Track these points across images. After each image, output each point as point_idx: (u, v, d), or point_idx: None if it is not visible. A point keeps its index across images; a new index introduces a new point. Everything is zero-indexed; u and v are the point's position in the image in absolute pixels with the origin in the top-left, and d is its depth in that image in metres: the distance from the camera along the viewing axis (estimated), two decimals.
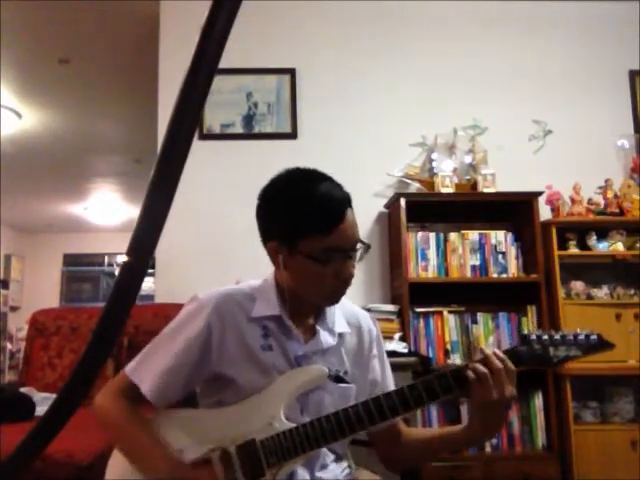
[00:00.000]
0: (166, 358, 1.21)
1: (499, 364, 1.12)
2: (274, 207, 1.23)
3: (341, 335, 1.31)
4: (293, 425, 1.16)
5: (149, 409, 1.23)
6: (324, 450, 1.22)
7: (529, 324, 2.98)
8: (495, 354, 1.14)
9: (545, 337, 1.16)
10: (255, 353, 1.22)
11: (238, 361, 1.21)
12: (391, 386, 1.35)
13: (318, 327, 1.28)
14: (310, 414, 1.20)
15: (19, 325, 8.04)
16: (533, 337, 1.17)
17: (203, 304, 1.23)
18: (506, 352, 1.17)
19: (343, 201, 1.20)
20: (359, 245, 1.22)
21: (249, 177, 3.27)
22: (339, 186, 1.23)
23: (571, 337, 1.16)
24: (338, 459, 1.28)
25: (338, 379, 1.26)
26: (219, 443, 1.16)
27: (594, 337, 1.16)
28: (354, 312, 1.39)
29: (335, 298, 1.26)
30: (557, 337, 1.17)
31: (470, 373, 1.13)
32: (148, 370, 1.21)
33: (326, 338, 1.27)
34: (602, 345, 1.17)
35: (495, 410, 1.14)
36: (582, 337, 1.16)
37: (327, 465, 1.25)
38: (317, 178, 1.23)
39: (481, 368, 1.13)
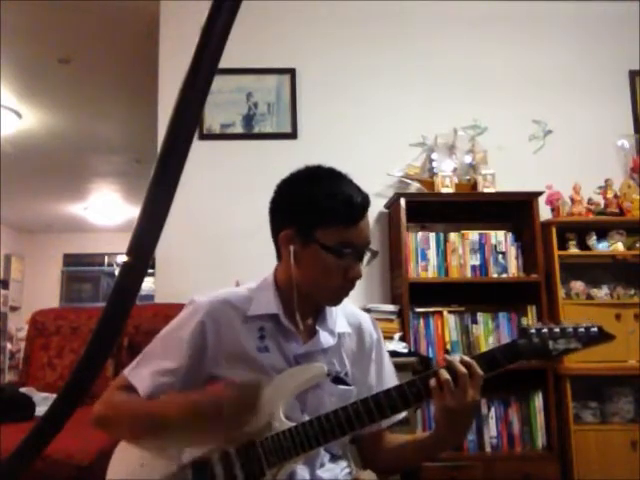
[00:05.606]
0: (161, 360, 1.20)
1: (463, 369, 1.10)
2: (297, 194, 1.23)
3: (341, 335, 1.30)
4: (293, 424, 1.15)
5: None
6: (322, 449, 1.22)
7: (529, 324, 2.98)
8: (462, 360, 1.12)
9: (544, 330, 1.14)
10: (251, 355, 1.21)
11: (234, 364, 1.20)
12: None
13: (318, 328, 1.27)
14: (310, 414, 1.19)
15: (19, 325, 8.04)
16: (532, 330, 1.15)
17: (198, 306, 1.23)
18: (504, 347, 1.16)
19: (365, 199, 1.22)
20: (368, 249, 1.23)
21: (249, 177, 3.31)
22: (359, 187, 1.25)
23: (571, 330, 1.14)
24: (334, 458, 1.27)
25: (338, 380, 1.25)
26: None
27: (594, 329, 1.14)
28: (355, 314, 1.38)
29: (339, 297, 1.24)
30: (556, 330, 1.14)
31: (432, 380, 1.12)
32: (144, 371, 1.21)
33: (326, 338, 1.26)
34: (603, 337, 1.14)
35: (457, 415, 1.12)
36: (582, 329, 1.14)
37: (325, 464, 1.25)
38: (341, 175, 1.25)
39: (443, 374, 1.11)
